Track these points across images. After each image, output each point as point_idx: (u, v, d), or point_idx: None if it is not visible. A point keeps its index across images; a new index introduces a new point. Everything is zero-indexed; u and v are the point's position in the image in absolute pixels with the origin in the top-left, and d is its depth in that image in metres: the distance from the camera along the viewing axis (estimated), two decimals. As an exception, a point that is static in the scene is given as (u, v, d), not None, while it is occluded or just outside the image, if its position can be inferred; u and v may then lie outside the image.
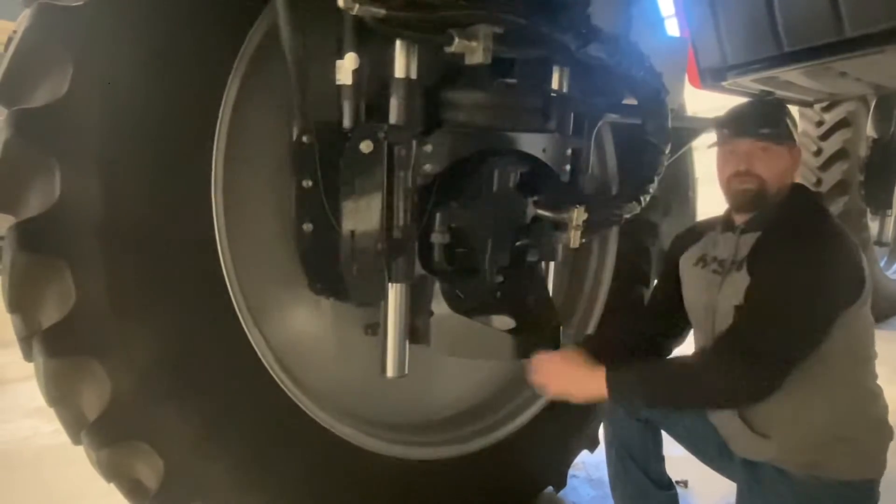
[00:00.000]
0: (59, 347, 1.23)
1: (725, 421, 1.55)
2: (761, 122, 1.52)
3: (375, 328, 1.69)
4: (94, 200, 1.21)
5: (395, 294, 1.58)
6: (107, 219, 1.22)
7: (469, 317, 1.71)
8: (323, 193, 1.48)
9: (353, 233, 1.49)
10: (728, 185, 1.59)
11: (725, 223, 1.67)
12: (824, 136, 4.18)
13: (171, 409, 1.32)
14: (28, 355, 1.29)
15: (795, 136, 1.56)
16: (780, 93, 3.31)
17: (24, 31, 1.18)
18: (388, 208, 1.51)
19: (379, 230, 1.49)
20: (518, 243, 1.78)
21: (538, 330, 1.74)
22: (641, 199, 2.02)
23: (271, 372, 1.46)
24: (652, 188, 2.04)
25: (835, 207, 4.15)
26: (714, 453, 1.65)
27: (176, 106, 1.29)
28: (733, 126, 1.57)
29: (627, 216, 1.99)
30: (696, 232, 1.81)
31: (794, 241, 1.42)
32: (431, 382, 1.91)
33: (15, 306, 1.24)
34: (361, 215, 1.49)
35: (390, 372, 1.62)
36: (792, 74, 2.86)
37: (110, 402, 1.27)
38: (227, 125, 1.39)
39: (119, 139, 1.23)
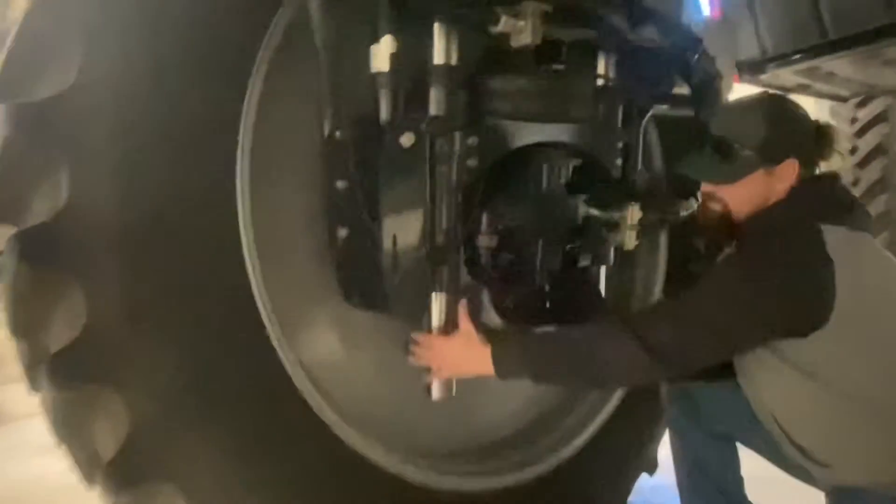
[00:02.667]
0: (69, 375, 1.08)
1: (787, 449, 1.36)
2: (712, 163, 1.33)
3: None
4: (108, 206, 1.06)
5: (439, 305, 1.41)
6: (122, 227, 1.07)
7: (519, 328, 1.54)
8: (359, 194, 1.33)
9: (394, 237, 1.33)
10: (700, 200, 1.46)
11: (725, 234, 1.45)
12: (859, 133, 4.01)
13: (198, 444, 1.15)
14: (34, 385, 1.13)
15: (787, 149, 1.29)
16: (818, 86, 3.16)
17: (27, 15, 1.04)
18: (432, 209, 1.35)
19: (423, 234, 1.34)
20: (570, 246, 1.62)
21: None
22: (698, 195, 1.87)
23: (307, 398, 1.29)
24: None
25: (875, 206, 3.97)
26: (797, 462, 1.46)
27: (196, 99, 1.15)
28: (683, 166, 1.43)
29: (684, 214, 1.84)
30: None
31: (744, 259, 1.28)
32: (479, 404, 1.73)
33: (18, 329, 1.08)
34: (403, 217, 1.33)
35: (436, 393, 1.45)
36: (835, 64, 2.71)
37: (129, 437, 1.11)
38: (253, 120, 1.24)
39: (134, 136, 1.08)
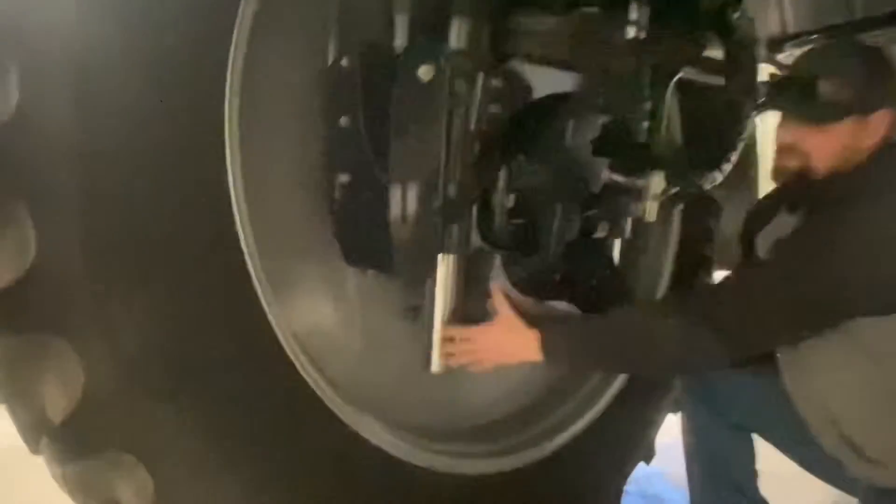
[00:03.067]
0: (14, 321, 0.90)
1: (829, 444, 1.26)
2: (800, 97, 1.19)
3: (418, 311, 1.37)
4: (66, 115, 0.87)
5: (446, 268, 1.25)
6: (82, 141, 0.88)
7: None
8: (365, 134, 1.16)
9: (404, 186, 1.17)
10: (775, 154, 1.31)
11: (790, 199, 1.33)
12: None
13: (164, 410, 0.98)
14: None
15: (885, 98, 1.18)
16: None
17: None
18: (448, 156, 1.19)
19: (438, 183, 1.17)
20: (588, 213, 1.47)
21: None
22: (724, 167, 1.74)
23: (297, 365, 1.12)
24: (734, 156, 1.76)
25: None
26: (828, 464, 1.34)
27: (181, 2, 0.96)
28: (770, 99, 1.31)
29: (708, 188, 1.71)
30: (769, 208, 1.49)
31: (829, 224, 1.13)
32: (475, 382, 1.58)
33: (-49, 263, 0.90)
34: (417, 162, 1.16)
35: (435, 366, 1.30)
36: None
37: (83, 397, 0.94)
38: (246, 38, 1.06)
39: (101, 37, 0.89)
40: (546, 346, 1.21)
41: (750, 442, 1.47)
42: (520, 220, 1.37)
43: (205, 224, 1.00)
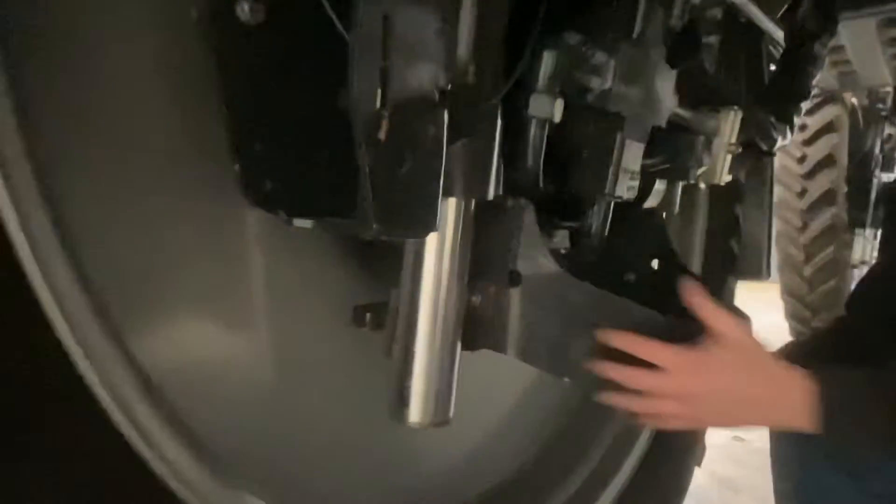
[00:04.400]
0: None
1: None
2: None
3: (380, 313, 0.75)
4: None
5: (450, 219, 0.67)
6: None
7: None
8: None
9: (382, 52, 0.55)
10: None
11: None
12: (809, 142, 3.76)
13: None
14: None
15: None
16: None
17: None
18: (460, 11, 0.60)
19: (445, 59, 0.58)
20: (649, 160, 0.94)
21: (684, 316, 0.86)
22: (794, 120, 1.28)
23: (128, 432, 0.47)
24: (804, 109, 1.31)
25: (821, 220, 3.73)
26: None
27: None
28: None
29: (776, 147, 1.24)
30: None
31: None
32: (456, 442, 0.97)
33: None
34: (409, 14, 0.56)
35: (416, 414, 0.70)
36: (853, 31, 2.30)
37: None
38: None
39: None
40: (827, 408, 0.66)
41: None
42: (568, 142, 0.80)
43: None
